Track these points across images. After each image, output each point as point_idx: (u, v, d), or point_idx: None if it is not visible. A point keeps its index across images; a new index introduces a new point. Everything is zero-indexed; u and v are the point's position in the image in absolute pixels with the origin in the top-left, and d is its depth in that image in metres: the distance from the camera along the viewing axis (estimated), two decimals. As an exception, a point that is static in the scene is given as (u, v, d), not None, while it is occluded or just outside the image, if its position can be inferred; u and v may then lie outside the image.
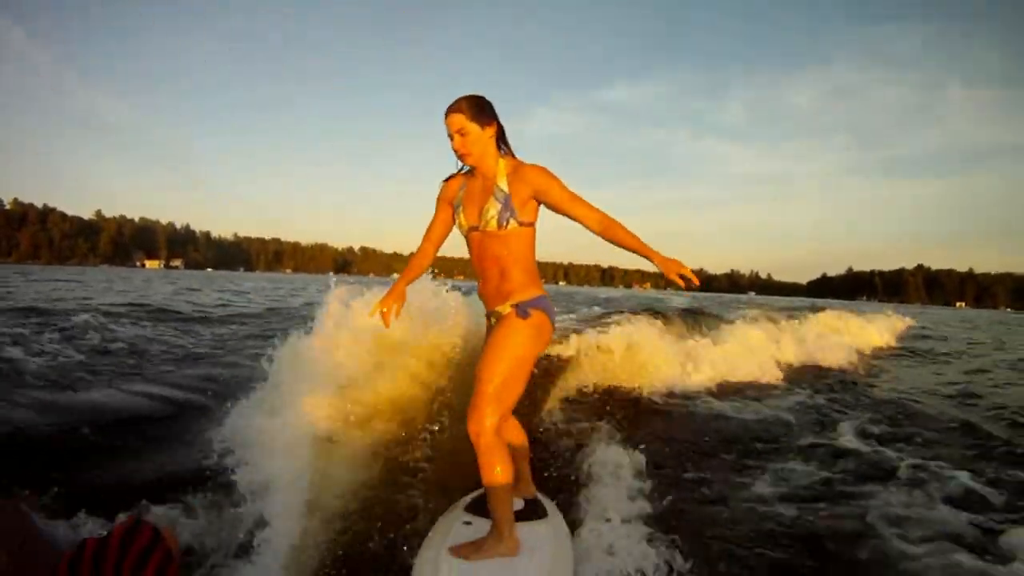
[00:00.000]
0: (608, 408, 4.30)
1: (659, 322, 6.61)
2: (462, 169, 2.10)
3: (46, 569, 1.19)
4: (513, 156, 2.05)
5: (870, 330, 11.47)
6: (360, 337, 3.13)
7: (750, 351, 6.74)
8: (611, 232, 1.94)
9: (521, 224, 1.98)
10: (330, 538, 2.19)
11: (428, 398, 3.36)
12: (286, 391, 2.82)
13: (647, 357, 5.26)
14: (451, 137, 1.97)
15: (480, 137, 1.96)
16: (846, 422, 4.47)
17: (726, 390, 5.48)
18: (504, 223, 1.97)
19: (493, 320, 2.08)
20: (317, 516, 2.21)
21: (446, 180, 2.15)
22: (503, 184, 1.98)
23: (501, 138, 2.04)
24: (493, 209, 1.97)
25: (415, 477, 2.75)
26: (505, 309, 2.02)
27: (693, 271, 1.93)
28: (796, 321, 9.85)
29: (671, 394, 5.03)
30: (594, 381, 4.81)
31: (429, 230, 2.18)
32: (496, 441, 1.88)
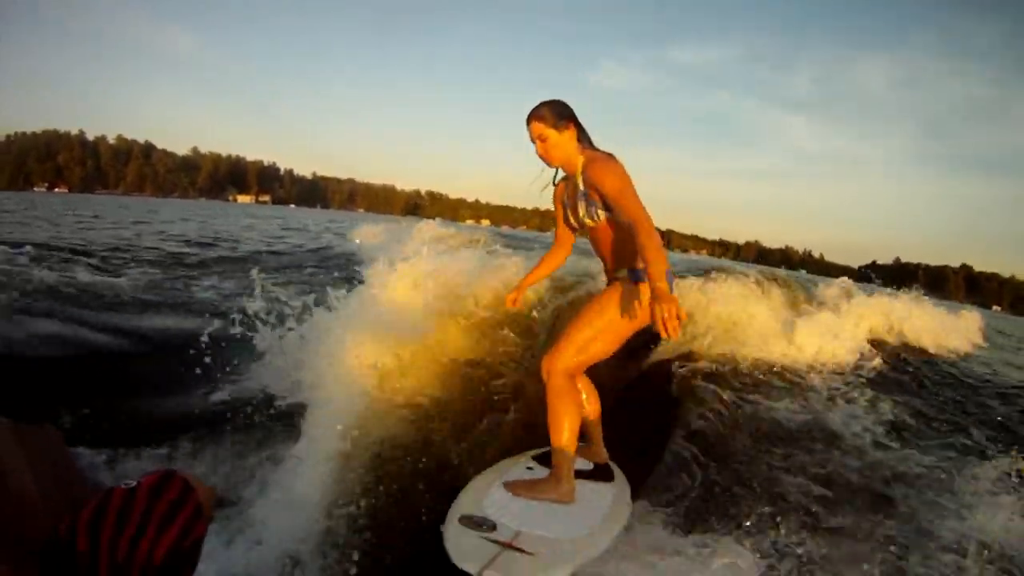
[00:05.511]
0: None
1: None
2: (560, 175, 2.03)
3: (77, 497, 1.08)
4: (592, 149, 1.92)
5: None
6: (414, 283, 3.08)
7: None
8: (642, 240, 1.69)
9: (609, 212, 1.87)
10: (364, 489, 2.02)
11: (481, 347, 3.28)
12: (340, 333, 2.69)
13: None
14: (533, 142, 1.92)
15: (559, 141, 1.89)
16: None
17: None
18: (596, 217, 1.92)
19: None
20: (354, 467, 2.05)
21: (556, 184, 2.07)
22: (580, 183, 1.91)
23: (581, 135, 1.93)
24: (582, 208, 1.93)
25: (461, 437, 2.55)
26: (621, 273, 1.94)
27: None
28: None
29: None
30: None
31: (556, 232, 2.15)
32: (566, 385, 1.83)
